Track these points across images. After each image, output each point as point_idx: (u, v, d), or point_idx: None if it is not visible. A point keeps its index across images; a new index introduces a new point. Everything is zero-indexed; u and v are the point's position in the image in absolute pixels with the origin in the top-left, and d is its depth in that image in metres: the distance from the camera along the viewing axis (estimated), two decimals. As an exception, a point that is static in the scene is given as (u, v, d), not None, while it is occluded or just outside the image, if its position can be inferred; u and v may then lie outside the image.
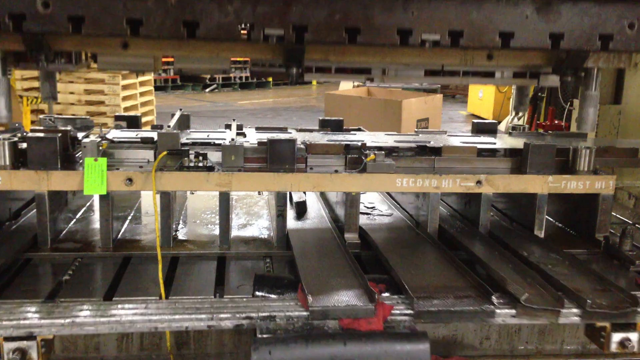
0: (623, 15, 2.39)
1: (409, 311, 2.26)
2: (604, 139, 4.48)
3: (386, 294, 2.39)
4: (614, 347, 2.27)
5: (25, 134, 3.14)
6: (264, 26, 2.28)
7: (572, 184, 3.03)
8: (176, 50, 2.67)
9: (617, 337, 2.27)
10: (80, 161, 2.85)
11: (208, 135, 3.36)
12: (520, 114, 9.84)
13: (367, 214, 3.52)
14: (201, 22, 2.25)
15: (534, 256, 2.80)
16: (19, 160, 2.80)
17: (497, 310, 2.27)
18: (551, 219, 3.45)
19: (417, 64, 2.93)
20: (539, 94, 9.67)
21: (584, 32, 2.42)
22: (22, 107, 10.03)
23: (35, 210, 2.86)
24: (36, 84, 10.94)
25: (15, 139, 2.87)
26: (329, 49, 2.69)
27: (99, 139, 2.88)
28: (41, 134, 2.86)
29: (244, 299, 2.31)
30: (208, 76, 23.93)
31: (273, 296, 2.34)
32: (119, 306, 2.22)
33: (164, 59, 3.21)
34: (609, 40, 2.42)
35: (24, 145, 2.80)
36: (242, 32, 2.31)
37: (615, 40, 2.42)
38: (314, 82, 26.35)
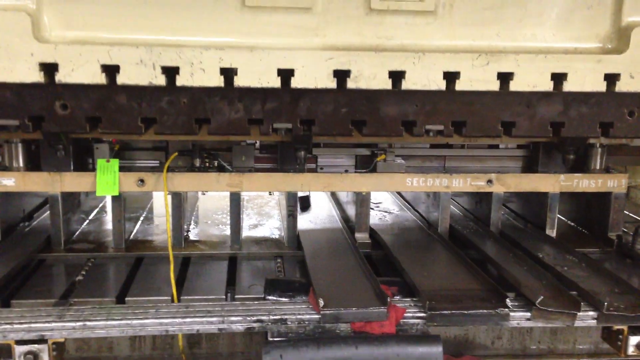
0: (623, 103, 2.41)
1: (422, 314, 2.23)
2: (617, 136, 4.45)
3: (398, 297, 2.37)
4: (631, 350, 2.23)
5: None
6: (273, 121, 2.36)
7: (584, 183, 3.01)
8: (188, 138, 2.83)
9: (634, 340, 2.23)
10: (93, 163, 2.87)
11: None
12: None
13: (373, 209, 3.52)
14: (212, 119, 2.33)
15: (548, 257, 2.77)
16: (33, 162, 2.83)
17: (512, 313, 2.23)
18: (563, 218, 3.43)
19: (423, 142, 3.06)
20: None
21: (585, 121, 2.44)
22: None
23: (48, 211, 2.89)
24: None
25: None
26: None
27: (112, 141, 2.90)
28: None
29: (255, 302, 2.31)
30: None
31: (284, 299, 2.34)
32: (130, 309, 2.23)
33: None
34: (610, 128, 2.45)
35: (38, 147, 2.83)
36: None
37: (616, 128, 2.45)
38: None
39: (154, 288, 2.47)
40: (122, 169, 2.77)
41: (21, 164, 2.79)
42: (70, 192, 2.90)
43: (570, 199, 3.32)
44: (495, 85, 2.36)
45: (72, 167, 2.80)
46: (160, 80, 2.25)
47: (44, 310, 2.18)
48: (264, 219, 3.46)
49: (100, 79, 2.23)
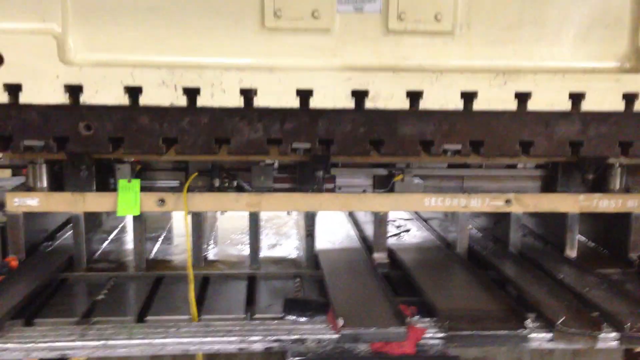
0: None
1: (441, 334, 2.22)
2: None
3: (417, 317, 2.36)
4: (652, 371, 2.21)
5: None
6: (292, 141, 2.41)
7: (604, 203, 2.99)
8: (209, 157, 2.87)
9: (656, 362, 2.21)
10: (115, 183, 2.92)
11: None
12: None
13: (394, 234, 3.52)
14: (232, 139, 2.39)
15: (568, 278, 2.74)
16: (56, 182, 2.88)
17: (532, 335, 2.22)
18: (583, 238, 3.40)
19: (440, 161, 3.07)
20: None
21: (603, 140, 2.45)
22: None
23: (70, 232, 2.93)
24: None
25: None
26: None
27: (133, 161, 2.95)
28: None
29: (275, 322, 2.32)
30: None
31: (303, 319, 2.34)
32: (151, 328, 2.25)
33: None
34: (629, 147, 2.46)
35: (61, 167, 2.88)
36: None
37: (635, 147, 2.45)
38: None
39: (174, 307, 2.48)
40: (142, 189, 2.81)
41: (45, 184, 2.84)
42: (92, 212, 2.94)
43: (591, 219, 3.29)
44: (513, 105, 2.38)
45: (94, 188, 2.84)
46: (182, 101, 2.30)
47: (67, 329, 2.21)
48: (282, 239, 3.47)
49: (124, 99, 2.28)
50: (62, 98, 2.27)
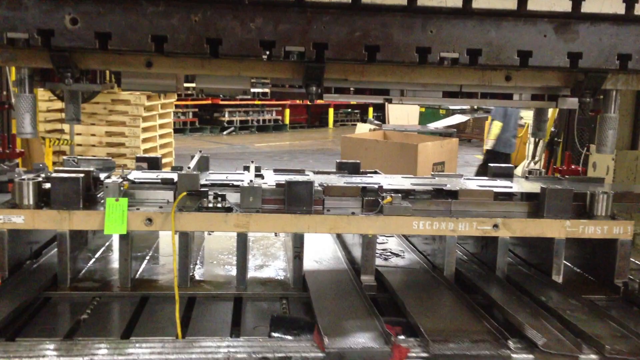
0: None
1: (425, 354, 2.24)
2: (622, 184, 4.47)
3: (402, 337, 2.37)
4: (632, 395, 2.22)
5: (49, 174, 3.21)
6: (285, 44, 2.35)
7: (590, 229, 3.02)
8: (199, 69, 2.74)
9: (636, 385, 2.22)
10: (102, 201, 2.90)
11: (227, 177, 3.41)
12: (537, 158, 9.85)
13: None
14: (224, 40, 2.33)
15: (552, 301, 2.77)
16: (43, 200, 2.86)
17: (514, 355, 2.24)
18: (569, 264, 3.42)
19: (436, 85, 2.98)
20: (555, 138, 9.68)
21: (603, 52, 2.45)
22: (45, 148, 10.23)
23: (54, 249, 2.91)
24: (59, 126, 11.19)
25: (39, 179, 2.94)
26: (348, 68, 2.75)
27: (121, 180, 2.94)
28: (64, 174, 2.92)
29: (260, 340, 2.31)
30: (226, 119, 24.34)
31: (289, 337, 2.34)
32: (136, 345, 2.23)
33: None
34: (628, 60, 2.46)
35: (48, 185, 2.86)
36: (263, 52, 2.37)
37: (634, 60, 2.45)
38: (330, 126, 26.61)
39: (159, 328, 2.46)
40: (130, 208, 2.80)
41: (31, 202, 2.82)
42: (78, 230, 2.92)
43: (577, 245, 3.32)
44: (513, 3, 2.33)
45: (81, 206, 2.83)
46: None
47: (52, 345, 2.20)
48: (269, 260, 3.46)
49: None
50: None
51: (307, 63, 2.50)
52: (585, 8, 2.37)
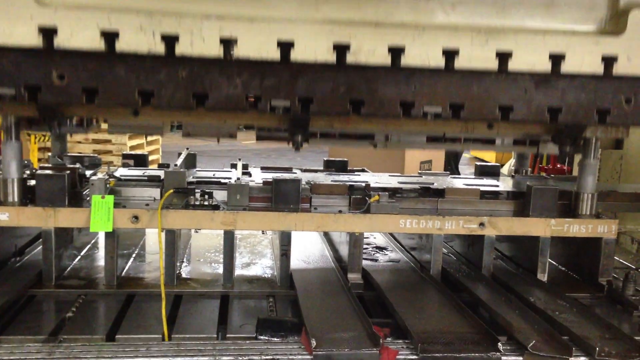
0: (620, 90, 2.46)
1: (414, 356, 2.24)
2: (606, 183, 4.51)
3: (390, 339, 2.37)
4: (621, 397, 2.23)
5: (34, 171, 3.18)
6: (271, 98, 2.36)
7: (575, 228, 3.04)
8: (185, 118, 2.81)
9: (625, 386, 2.22)
10: (88, 198, 2.88)
11: (214, 175, 3.40)
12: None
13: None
14: (210, 94, 2.33)
15: (540, 302, 2.78)
16: (28, 197, 2.83)
17: (504, 357, 2.24)
18: (554, 263, 3.45)
19: (420, 132, 3.06)
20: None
21: (582, 107, 2.49)
22: (30, 144, 10.13)
23: (39, 247, 2.88)
24: (44, 121, 11.06)
25: (24, 175, 2.91)
26: (333, 117, 2.79)
27: (107, 177, 2.92)
28: (50, 172, 2.90)
29: (247, 342, 2.30)
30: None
31: (276, 339, 2.33)
32: (121, 347, 2.21)
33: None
34: (606, 115, 2.49)
35: (33, 182, 2.83)
36: (249, 101, 2.39)
37: (613, 115, 2.49)
38: (318, 123, 26.51)
39: (145, 326, 2.45)
40: (116, 205, 2.78)
41: (16, 199, 2.79)
42: (64, 228, 2.90)
43: (562, 244, 3.35)
44: (494, 64, 2.37)
45: (66, 203, 2.80)
46: (160, 48, 2.21)
47: (33, 347, 2.16)
48: (256, 258, 3.45)
49: (99, 44, 2.20)
50: (35, 40, 2.17)
51: (293, 115, 2.50)
52: (565, 68, 2.41)
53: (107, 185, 2.83)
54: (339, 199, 3.09)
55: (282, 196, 2.96)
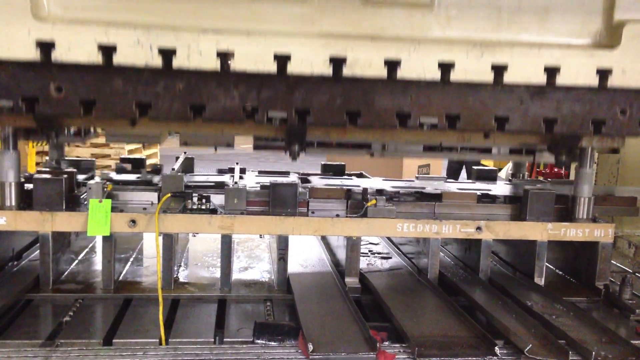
0: (615, 101, 2.48)
1: (411, 360, 2.24)
2: (603, 187, 4.52)
3: (387, 343, 2.37)
4: (617, 401, 2.23)
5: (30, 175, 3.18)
6: (268, 109, 2.37)
7: (572, 232, 3.05)
8: (182, 128, 2.83)
9: (621, 390, 2.22)
10: (85, 202, 2.88)
11: (211, 178, 3.40)
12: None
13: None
14: (207, 106, 2.34)
15: (536, 305, 2.78)
16: (25, 201, 2.83)
17: (501, 361, 2.24)
18: (551, 266, 3.45)
19: (416, 141, 3.08)
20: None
21: (577, 118, 2.51)
22: (27, 148, 10.12)
23: (37, 251, 2.88)
24: (42, 125, 11.05)
25: (22, 180, 2.91)
26: (330, 128, 2.81)
27: (104, 181, 2.92)
28: (47, 176, 2.90)
29: (244, 346, 2.30)
30: (211, 120, 24.19)
31: (273, 343, 2.33)
32: (118, 351, 2.21)
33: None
34: (602, 125, 2.51)
35: (30, 186, 2.83)
36: (246, 111, 2.40)
37: (608, 126, 2.51)
38: (316, 127, 26.55)
39: (142, 330, 2.44)
40: (113, 209, 2.78)
41: (13, 203, 2.79)
42: (61, 232, 2.90)
43: (559, 248, 3.35)
44: (489, 77, 2.38)
45: (64, 207, 2.80)
46: (157, 61, 2.22)
47: (31, 351, 2.16)
48: (254, 262, 3.45)
49: (97, 58, 2.20)
50: (33, 54, 2.18)
51: (289, 125, 2.51)
52: (560, 81, 2.43)
53: (105, 189, 2.83)
54: (337, 203, 3.09)
55: (280, 200, 2.96)
